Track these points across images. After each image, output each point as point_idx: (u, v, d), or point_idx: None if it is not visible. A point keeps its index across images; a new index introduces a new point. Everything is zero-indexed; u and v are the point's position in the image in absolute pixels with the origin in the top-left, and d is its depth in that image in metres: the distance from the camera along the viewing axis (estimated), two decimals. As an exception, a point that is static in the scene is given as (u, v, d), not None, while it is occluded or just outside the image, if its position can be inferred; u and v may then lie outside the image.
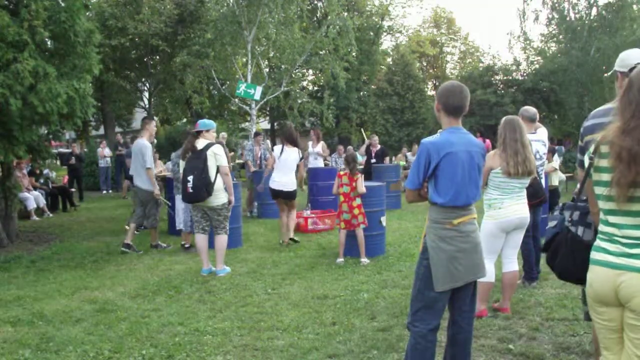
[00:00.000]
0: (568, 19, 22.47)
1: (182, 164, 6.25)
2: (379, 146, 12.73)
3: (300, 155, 7.55)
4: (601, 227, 2.06)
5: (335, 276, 5.82)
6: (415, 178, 2.91)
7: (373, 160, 12.02)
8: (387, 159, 13.10)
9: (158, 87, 19.04)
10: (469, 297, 3.02)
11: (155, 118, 7.27)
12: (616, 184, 1.92)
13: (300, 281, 5.64)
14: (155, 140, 7.40)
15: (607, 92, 20.67)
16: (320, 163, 11.36)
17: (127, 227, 7.79)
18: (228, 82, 17.67)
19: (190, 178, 5.70)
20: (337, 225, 6.73)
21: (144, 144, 7.35)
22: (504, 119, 4.34)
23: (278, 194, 7.45)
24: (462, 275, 2.87)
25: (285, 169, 7.41)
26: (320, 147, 11.33)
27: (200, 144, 5.88)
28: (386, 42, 33.13)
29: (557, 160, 8.94)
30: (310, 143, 11.47)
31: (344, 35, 15.74)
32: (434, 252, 2.86)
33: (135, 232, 7.81)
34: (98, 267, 6.59)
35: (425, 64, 37.41)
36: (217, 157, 5.83)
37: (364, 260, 6.41)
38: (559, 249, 2.54)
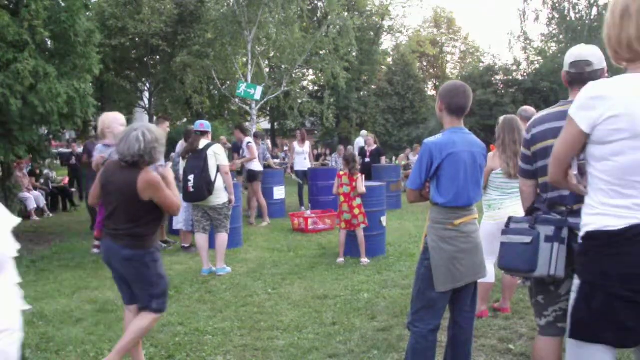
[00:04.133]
0: (568, 18, 22.50)
1: (182, 163, 6.28)
2: (374, 146, 12.68)
3: None
4: None
5: (335, 276, 5.81)
6: (417, 178, 2.90)
7: (367, 160, 11.97)
8: (383, 158, 13.04)
9: (158, 87, 19.04)
10: (470, 298, 3.02)
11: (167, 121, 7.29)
12: None
13: (300, 281, 5.64)
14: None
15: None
16: (308, 163, 11.35)
17: None
18: (228, 82, 17.67)
19: (191, 177, 5.77)
20: (337, 225, 6.73)
21: None
22: (501, 119, 4.31)
23: None
24: (463, 276, 2.87)
25: None
26: (307, 146, 11.35)
27: (200, 143, 5.95)
28: (386, 42, 33.18)
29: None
30: (295, 143, 11.48)
31: (344, 35, 15.75)
32: (434, 252, 2.85)
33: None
34: (98, 267, 6.58)
35: (425, 64, 37.40)
36: (218, 157, 5.91)
37: (364, 260, 6.41)
38: None
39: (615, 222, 1.66)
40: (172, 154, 7.50)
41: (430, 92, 31.82)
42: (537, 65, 25.02)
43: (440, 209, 2.87)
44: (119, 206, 3.16)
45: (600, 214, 1.69)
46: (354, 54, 18.37)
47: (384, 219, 6.96)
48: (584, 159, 1.84)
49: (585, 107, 1.74)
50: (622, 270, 1.67)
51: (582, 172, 1.85)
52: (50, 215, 11.53)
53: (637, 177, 1.64)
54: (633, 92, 1.66)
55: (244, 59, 15.75)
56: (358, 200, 6.44)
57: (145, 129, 3.12)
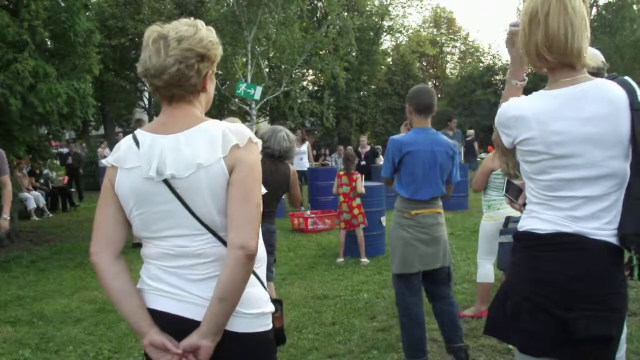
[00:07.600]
0: (568, 19, 22.51)
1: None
2: (368, 147, 12.56)
3: None
4: None
5: (335, 276, 5.82)
6: (387, 168, 3.25)
7: (363, 162, 11.74)
8: (380, 158, 12.92)
9: (158, 87, 19.05)
10: (444, 286, 3.30)
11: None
12: None
13: (300, 281, 5.64)
14: None
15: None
16: (306, 163, 11.26)
17: None
18: (228, 82, 17.67)
19: None
20: (337, 225, 6.73)
21: None
22: None
23: None
24: (414, 263, 3.13)
25: None
26: (306, 146, 11.31)
27: None
28: (386, 42, 33.07)
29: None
30: None
31: (344, 35, 15.76)
32: (392, 237, 3.21)
33: None
34: (98, 267, 6.58)
35: (425, 64, 37.40)
36: None
37: (364, 260, 6.41)
38: None
39: (543, 227, 1.63)
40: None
41: (430, 92, 31.78)
42: (537, 65, 25.06)
43: (401, 199, 3.20)
44: (277, 192, 3.71)
45: (533, 217, 1.68)
46: (354, 54, 18.39)
47: (383, 219, 6.96)
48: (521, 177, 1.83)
49: (505, 125, 1.73)
50: (536, 275, 1.63)
51: (521, 190, 1.86)
52: (50, 215, 11.53)
53: (564, 192, 1.62)
54: (544, 112, 1.62)
55: (244, 59, 15.74)
56: (357, 201, 6.44)
57: (286, 131, 3.81)
